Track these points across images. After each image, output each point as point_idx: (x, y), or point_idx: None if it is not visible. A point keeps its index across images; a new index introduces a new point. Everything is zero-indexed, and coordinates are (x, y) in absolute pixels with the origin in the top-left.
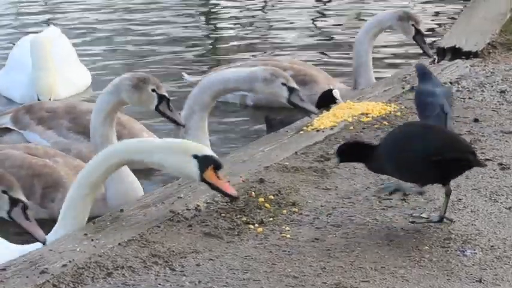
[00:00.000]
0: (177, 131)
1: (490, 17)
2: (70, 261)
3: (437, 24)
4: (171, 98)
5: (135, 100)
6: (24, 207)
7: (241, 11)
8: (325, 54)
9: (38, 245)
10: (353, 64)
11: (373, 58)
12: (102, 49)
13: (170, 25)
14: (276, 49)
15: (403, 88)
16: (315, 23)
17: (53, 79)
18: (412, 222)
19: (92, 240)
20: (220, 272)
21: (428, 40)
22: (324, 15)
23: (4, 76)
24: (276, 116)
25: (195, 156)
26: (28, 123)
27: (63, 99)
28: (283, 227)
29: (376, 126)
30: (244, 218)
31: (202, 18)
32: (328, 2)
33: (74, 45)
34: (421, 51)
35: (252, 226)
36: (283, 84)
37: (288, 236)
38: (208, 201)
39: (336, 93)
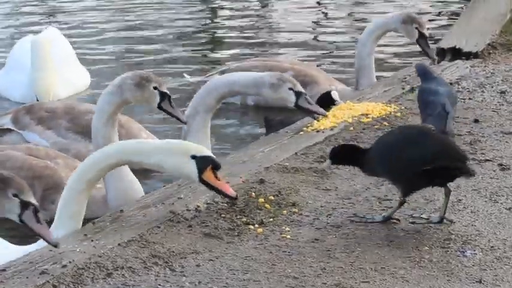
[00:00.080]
0: (177, 131)
1: (490, 17)
2: (70, 262)
3: (437, 24)
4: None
5: (138, 98)
6: (35, 210)
7: (241, 11)
8: (326, 55)
9: (38, 245)
10: (355, 65)
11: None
12: (101, 49)
13: (170, 25)
14: (276, 49)
15: (403, 89)
16: (316, 23)
17: (52, 80)
18: (412, 222)
19: (92, 240)
20: (220, 273)
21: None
22: (325, 15)
23: (4, 76)
24: (276, 116)
25: (194, 157)
26: (28, 124)
27: (62, 100)
28: (283, 227)
29: (376, 126)
30: (244, 219)
31: (203, 18)
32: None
33: (74, 45)
34: (420, 52)
35: (252, 227)
36: (290, 89)
37: (288, 236)
38: (208, 201)
39: (335, 94)
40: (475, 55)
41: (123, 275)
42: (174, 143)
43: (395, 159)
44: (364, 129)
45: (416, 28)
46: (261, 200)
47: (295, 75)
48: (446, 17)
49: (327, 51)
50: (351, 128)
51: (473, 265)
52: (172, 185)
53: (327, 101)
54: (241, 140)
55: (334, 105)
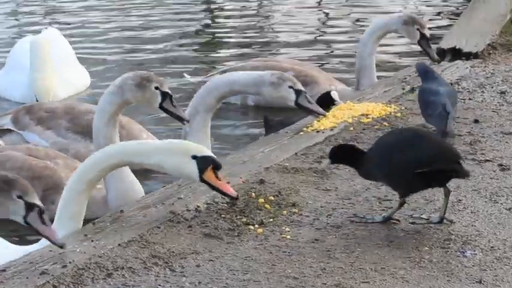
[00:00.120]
0: (177, 132)
1: (490, 18)
2: (70, 262)
3: (436, 25)
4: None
5: (139, 99)
6: (40, 212)
7: (242, 11)
8: (327, 55)
9: (39, 245)
10: (356, 65)
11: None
12: (101, 49)
13: (170, 25)
14: (277, 49)
15: (403, 89)
16: (316, 23)
17: (51, 80)
18: (412, 223)
19: (92, 241)
20: (220, 273)
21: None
22: (325, 15)
23: (4, 76)
24: (275, 116)
25: (195, 157)
26: (27, 124)
27: (62, 100)
28: (283, 227)
29: (376, 127)
30: (244, 219)
31: (203, 17)
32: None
33: (73, 45)
34: (421, 52)
35: (252, 227)
36: (290, 87)
37: (288, 236)
38: (209, 202)
39: (335, 94)
40: (475, 55)
41: (123, 275)
42: (174, 143)
43: (392, 161)
44: (364, 129)
45: (417, 29)
46: (261, 200)
47: (296, 75)
48: (446, 18)
49: (328, 51)
50: (351, 128)
51: (473, 265)
52: (172, 186)
53: (326, 101)
54: (242, 141)
55: (334, 105)
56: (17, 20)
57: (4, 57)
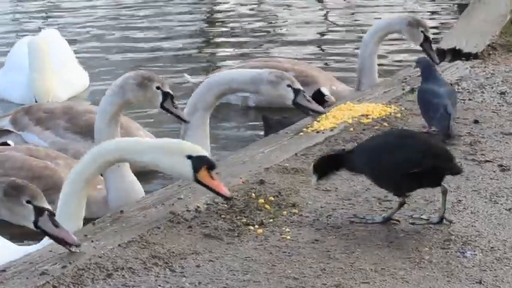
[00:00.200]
0: (176, 130)
1: (490, 18)
2: (70, 263)
3: (436, 26)
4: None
5: (141, 98)
6: (51, 214)
7: (242, 11)
8: (327, 55)
9: (39, 245)
10: (357, 65)
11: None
12: (100, 50)
13: (170, 24)
14: (278, 48)
15: (403, 89)
16: (317, 22)
17: (50, 81)
18: (412, 223)
19: (92, 241)
20: (220, 273)
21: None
22: (326, 14)
23: (3, 77)
24: (274, 116)
25: (189, 157)
26: (26, 124)
27: (61, 101)
28: (283, 228)
29: (376, 127)
30: (244, 219)
31: (203, 17)
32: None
33: (72, 46)
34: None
35: (252, 227)
36: (289, 86)
37: (288, 237)
38: (209, 202)
39: (324, 90)
40: (475, 56)
41: (123, 275)
42: (170, 142)
43: (381, 163)
44: (364, 130)
45: (422, 32)
46: (261, 200)
47: (296, 75)
48: (446, 18)
49: (328, 51)
50: (351, 129)
51: (473, 266)
52: (172, 186)
53: (318, 98)
54: (242, 141)
55: (326, 101)
56: (15, 20)
57: (3, 57)
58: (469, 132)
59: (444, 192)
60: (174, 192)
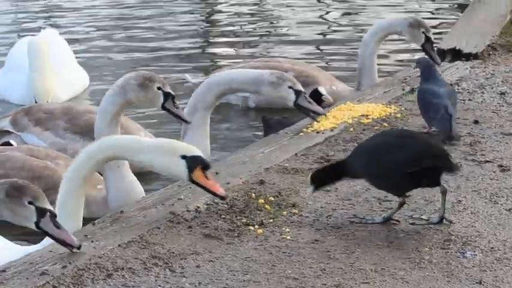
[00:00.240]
0: (176, 130)
1: (490, 19)
2: (70, 263)
3: (436, 26)
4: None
5: (142, 99)
6: (52, 215)
7: (242, 11)
8: (327, 55)
9: (39, 246)
10: (357, 65)
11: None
12: (100, 50)
13: (170, 24)
14: (277, 49)
15: (403, 90)
16: (317, 22)
17: (50, 81)
18: (412, 223)
19: (92, 241)
20: (220, 274)
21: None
22: (326, 13)
23: (2, 78)
24: (273, 116)
25: (184, 157)
26: (26, 125)
27: (61, 101)
28: (283, 228)
29: (376, 127)
30: (244, 220)
31: (204, 17)
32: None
33: (72, 46)
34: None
35: (252, 227)
36: (290, 87)
37: (288, 237)
38: (209, 202)
39: (322, 89)
40: (475, 56)
41: (123, 275)
42: (164, 143)
43: (381, 163)
44: (364, 130)
45: (423, 32)
46: (261, 201)
47: (296, 75)
48: (447, 18)
49: (329, 51)
50: (351, 129)
51: (473, 266)
52: (172, 186)
53: (316, 98)
54: (242, 141)
55: (323, 100)
56: (15, 20)
57: (3, 57)
58: (469, 133)
59: (444, 192)
60: (174, 193)
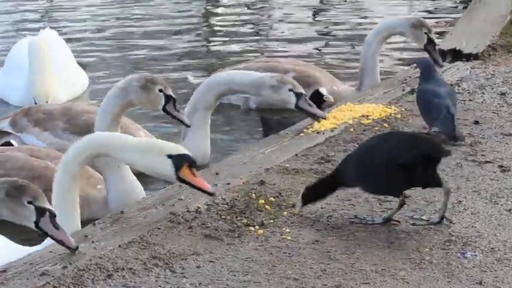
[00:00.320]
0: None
1: (491, 19)
2: (70, 263)
3: (439, 26)
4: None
5: (143, 101)
6: (52, 215)
7: (243, 11)
8: (329, 54)
9: (40, 246)
10: (359, 65)
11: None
12: (100, 50)
13: (171, 25)
14: (278, 49)
15: (404, 90)
16: (319, 22)
17: (50, 82)
18: (413, 224)
19: (92, 242)
20: (221, 274)
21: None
22: (327, 14)
23: (2, 78)
24: (273, 116)
25: (170, 156)
26: (25, 126)
27: (61, 102)
28: (284, 229)
29: (376, 128)
30: (244, 220)
31: (204, 17)
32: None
33: (72, 46)
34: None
35: (252, 228)
36: (291, 90)
37: (289, 238)
38: (209, 203)
39: (323, 90)
40: (475, 56)
41: (123, 276)
42: (150, 142)
43: (374, 161)
44: (364, 130)
45: (425, 33)
46: (262, 201)
47: (297, 76)
48: (448, 18)
49: (330, 50)
50: (351, 130)
51: (473, 267)
52: (172, 186)
53: (317, 99)
54: (242, 142)
55: (324, 101)
56: (15, 20)
57: (3, 57)
58: (470, 133)
59: (447, 193)
60: (175, 193)
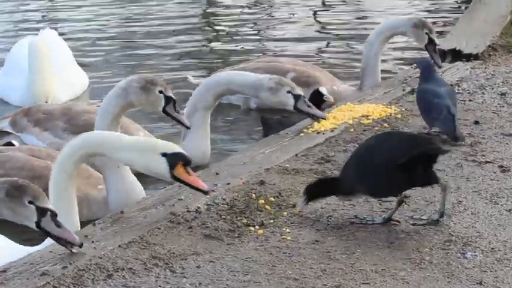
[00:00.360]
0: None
1: (491, 19)
2: (70, 263)
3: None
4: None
5: (143, 102)
6: (53, 215)
7: (243, 10)
8: (329, 55)
9: (41, 246)
10: (361, 65)
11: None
12: (101, 50)
13: (171, 25)
14: (278, 49)
15: (404, 90)
16: (319, 22)
17: (49, 83)
18: (413, 224)
19: (93, 242)
20: (221, 274)
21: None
22: (327, 14)
23: (2, 78)
24: (273, 115)
25: (164, 154)
26: (25, 126)
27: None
28: (284, 229)
29: (376, 128)
30: (244, 220)
31: (204, 17)
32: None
33: (72, 45)
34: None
35: (252, 228)
36: (289, 92)
37: (289, 238)
38: (209, 203)
39: (323, 89)
40: (476, 57)
41: (123, 276)
42: (144, 141)
43: (374, 162)
44: (364, 130)
45: (426, 33)
46: (262, 201)
47: (298, 76)
48: (449, 18)
49: (331, 50)
50: (352, 130)
51: (473, 267)
52: (172, 187)
53: (317, 99)
54: (242, 142)
55: (324, 100)
56: (15, 20)
57: (2, 57)
58: (470, 133)
59: (444, 189)
60: (175, 193)
